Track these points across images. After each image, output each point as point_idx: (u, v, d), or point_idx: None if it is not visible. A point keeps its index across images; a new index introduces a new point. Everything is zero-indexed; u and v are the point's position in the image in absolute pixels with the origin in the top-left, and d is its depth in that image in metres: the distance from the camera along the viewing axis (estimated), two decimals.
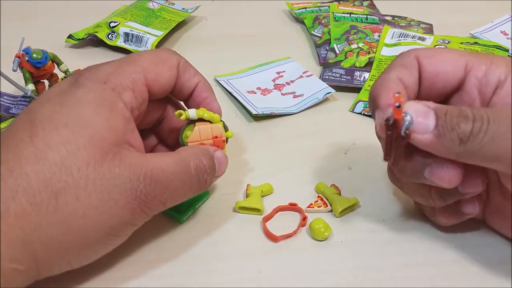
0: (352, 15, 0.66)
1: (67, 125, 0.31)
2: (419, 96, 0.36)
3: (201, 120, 0.38)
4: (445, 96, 0.36)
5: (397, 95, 0.31)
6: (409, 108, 0.32)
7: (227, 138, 0.38)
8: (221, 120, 0.38)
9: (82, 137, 0.31)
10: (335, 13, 0.66)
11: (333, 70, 0.56)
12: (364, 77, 0.55)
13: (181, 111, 0.37)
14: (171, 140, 0.41)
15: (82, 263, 0.32)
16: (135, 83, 0.34)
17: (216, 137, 0.37)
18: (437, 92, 0.35)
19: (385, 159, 0.34)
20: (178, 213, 0.39)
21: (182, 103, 0.41)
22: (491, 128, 0.30)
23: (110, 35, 0.61)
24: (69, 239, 0.30)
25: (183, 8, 0.69)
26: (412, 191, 0.36)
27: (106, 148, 0.31)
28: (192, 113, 0.37)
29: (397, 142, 0.33)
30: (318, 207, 0.40)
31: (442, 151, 0.32)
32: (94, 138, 0.31)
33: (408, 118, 0.31)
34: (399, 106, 0.31)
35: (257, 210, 0.40)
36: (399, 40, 0.59)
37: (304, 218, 0.39)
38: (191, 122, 0.38)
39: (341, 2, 0.72)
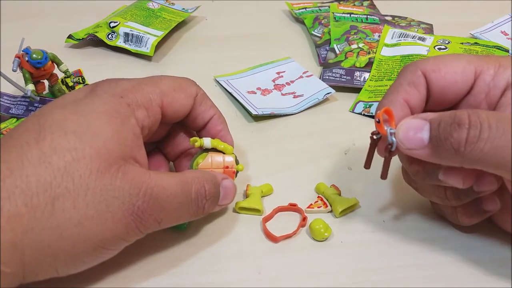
0: (352, 15, 0.66)
1: (76, 132, 0.31)
2: (430, 108, 0.35)
3: (214, 150, 0.38)
4: (456, 102, 0.36)
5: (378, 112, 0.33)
6: (401, 126, 0.32)
7: (237, 171, 0.38)
8: (233, 153, 0.39)
9: (90, 146, 0.31)
10: (335, 13, 0.66)
11: (333, 70, 0.56)
12: (364, 77, 0.55)
13: (196, 138, 0.38)
14: (172, 156, 0.41)
15: (69, 272, 0.31)
16: (150, 103, 0.35)
17: (227, 167, 0.38)
18: (449, 101, 0.35)
19: (365, 167, 0.36)
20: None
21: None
22: (493, 136, 0.29)
23: (110, 35, 0.61)
24: (59, 246, 0.29)
25: (183, 8, 0.69)
26: (428, 192, 0.36)
27: (112, 160, 0.31)
28: (207, 142, 0.38)
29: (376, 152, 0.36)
30: (318, 207, 0.40)
31: (444, 162, 0.31)
32: (101, 148, 0.31)
33: (393, 138, 0.33)
34: (378, 122, 0.33)
35: (257, 211, 0.40)
36: (399, 40, 0.59)
37: (304, 219, 0.39)
38: (204, 150, 0.38)
39: (341, 2, 0.72)
